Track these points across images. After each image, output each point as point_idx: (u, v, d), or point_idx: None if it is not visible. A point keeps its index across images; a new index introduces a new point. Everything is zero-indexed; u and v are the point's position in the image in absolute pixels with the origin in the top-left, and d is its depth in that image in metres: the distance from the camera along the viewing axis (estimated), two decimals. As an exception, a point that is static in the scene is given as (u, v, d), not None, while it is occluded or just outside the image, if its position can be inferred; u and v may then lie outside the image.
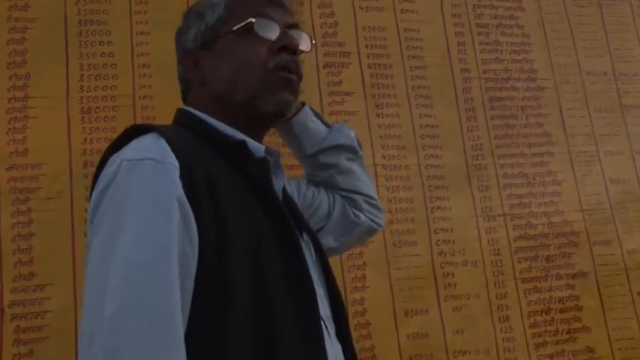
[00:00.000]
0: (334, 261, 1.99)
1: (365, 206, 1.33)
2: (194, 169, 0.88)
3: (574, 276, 2.26)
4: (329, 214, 1.30)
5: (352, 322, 1.99)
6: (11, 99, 1.89)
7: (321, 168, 1.32)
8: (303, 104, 1.30)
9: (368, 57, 2.25)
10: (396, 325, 2.04)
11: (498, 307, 2.15)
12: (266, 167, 1.00)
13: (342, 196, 1.32)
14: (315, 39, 2.20)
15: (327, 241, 1.28)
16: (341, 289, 1.94)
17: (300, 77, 1.09)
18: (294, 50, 1.06)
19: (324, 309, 1.02)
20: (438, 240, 2.15)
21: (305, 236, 1.09)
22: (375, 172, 2.14)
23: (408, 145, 2.21)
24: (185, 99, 1.14)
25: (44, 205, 1.82)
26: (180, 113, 1.09)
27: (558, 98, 2.43)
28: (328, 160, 1.30)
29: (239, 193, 0.94)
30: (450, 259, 2.15)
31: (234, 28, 1.05)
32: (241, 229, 0.90)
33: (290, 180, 1.28)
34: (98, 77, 1.97)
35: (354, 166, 1.33)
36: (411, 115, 2.24)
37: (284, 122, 1.25)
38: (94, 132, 1.92)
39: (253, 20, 1.04)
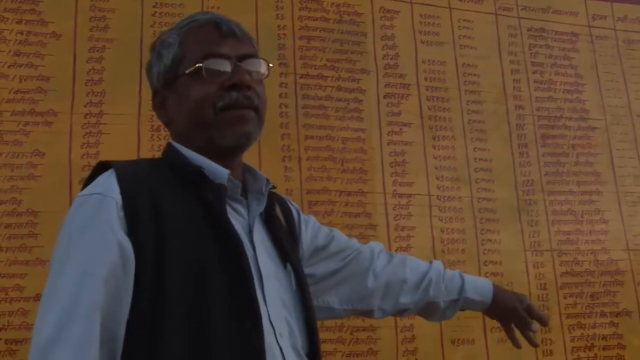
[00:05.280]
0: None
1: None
2: (139, 198, 0.97)
3: (617, 314, 2.29)
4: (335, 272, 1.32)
5: (401, 348, 2.04)
6: (87, 114, 1.96)
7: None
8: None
9: (427, 89, 2.31)
10: (443, 354, 2.08)
11: (542, 341, 2.18)
12: (221, 193, 1.04)
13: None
14: (377, 70, 2.27)
15: (331, 300, 1.31)
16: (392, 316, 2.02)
17: (255, 108, 1.08)
18: (246, 86, 1.07)
19: (294, 340, 1.05)
20: (487, 272, 2.19)
21: (288, 266, 1.11)
22: (430, 203, 2.19)
23: (462, 177, 2.26)
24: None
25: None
26: (166, 145, 1.15)
27: (608, 138, 2.48)
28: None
29: (188, 217, 0.99)
30: (498, 291, 2.19)
31: (186, 72, 1.08)
32: (183, 251, 0.96)
33: (304, 217, 1.31)
34: (169, 97, 2.04)
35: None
36: (466, 148, 2.30)
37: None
38: (161, 150, 1.96)
39: (201, 65, 1.06)
